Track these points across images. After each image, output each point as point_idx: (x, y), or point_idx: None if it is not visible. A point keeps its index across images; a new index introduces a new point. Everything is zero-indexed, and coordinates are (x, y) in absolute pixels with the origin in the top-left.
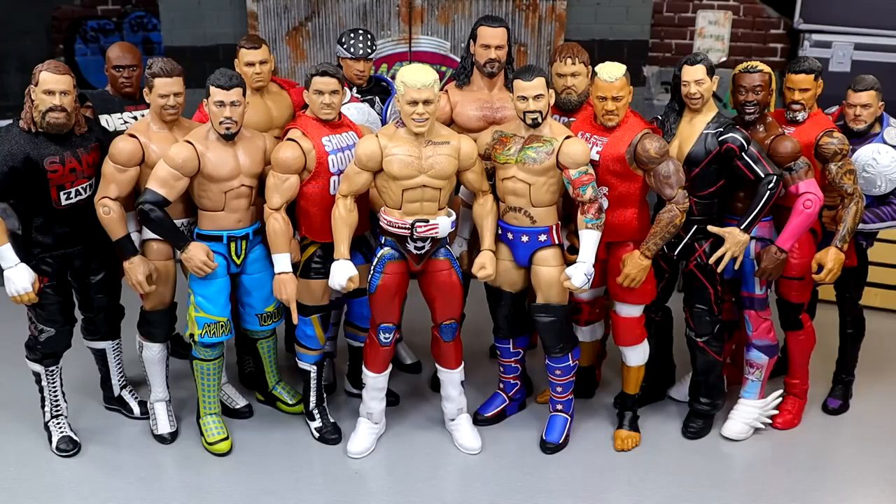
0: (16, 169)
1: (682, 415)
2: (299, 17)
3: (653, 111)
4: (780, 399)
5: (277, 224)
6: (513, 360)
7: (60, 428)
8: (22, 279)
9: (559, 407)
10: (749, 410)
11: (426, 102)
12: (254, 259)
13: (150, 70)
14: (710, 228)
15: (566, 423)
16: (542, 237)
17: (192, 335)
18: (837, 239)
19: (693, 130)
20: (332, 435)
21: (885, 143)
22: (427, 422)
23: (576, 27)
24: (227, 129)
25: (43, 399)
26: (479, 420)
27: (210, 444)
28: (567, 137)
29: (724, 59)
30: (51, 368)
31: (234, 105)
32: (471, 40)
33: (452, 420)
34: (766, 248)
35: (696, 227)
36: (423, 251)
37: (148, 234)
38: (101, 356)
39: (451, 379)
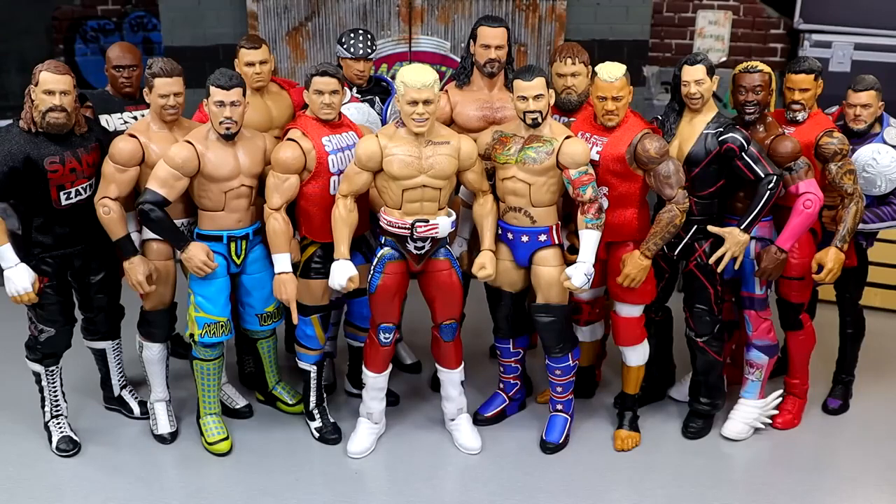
0: (16, 169)
1: (682, 415)
2: (299, 17)
3: (653, 111)
4: (780, 399)
5: (277, 224)
6: (513, 360)
7: (60, 428)
8: (22, 279)
9: (559, 407)
10: (749, 410)
11: (426, 102)
12: (254, 259)
13: (150, 70)
14: (710, 228)
15: (566, 423)
16: (542, 237)
17: (192, 335)
18: (837, 239)
19: (693, 130)
20: (332, 435)
21: (885, 143)
22: (427, 422)
23: (576, 27)
24: (227, 129)
25: (43, 399)
26: (479, 420)
27: (210, 444)
28: (567, 137)
29: (724, 59)
30: (51, 368)
31: (234, 105)
32: (471, 40)
33: (452, 420)
34: (766, 248)
35: (696, 227)
36: (423, 251)
37: (148, 234)
38: (101, 356)
39: (451, 379)
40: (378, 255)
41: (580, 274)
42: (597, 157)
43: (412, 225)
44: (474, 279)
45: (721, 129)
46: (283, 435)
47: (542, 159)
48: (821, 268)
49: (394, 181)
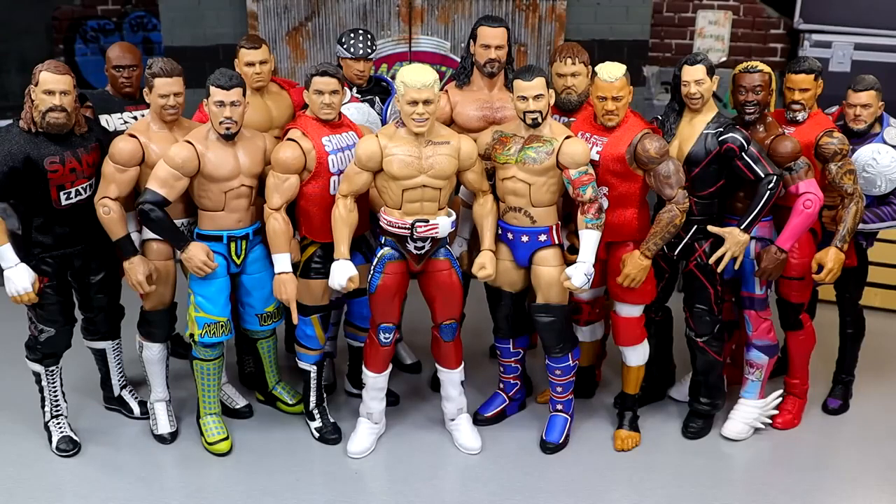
0: (16, 169)
1: (682, 415)
2: (299, 17)
3: (653, 111)
4: (780, 399)
5: (277, 224)
6: (513, 360)
7: (60, 428)
8: (22, 279)
9: (559, 407)
10: (749, 410)
11: (426, 102)
12: (254, 259)
13: (150, 70)
14: (711, 228)
15: (566, 423)
16: (542, 237)
17: (192, 335)
18: (837, 239)
19: (693, 130)
20: (332, 435)
21: (885, 143)
22: (427, 422)
23: (576, 27)
24: (227, 129)
25: (43, 399)
26: (479, 420)
27: (210, 444)
28: (567, 137)
29: (724, 59)
30: (51, 368)
31: (234, 105)
32: (471, 40)
33: (452, 420)
34: (766, 248)
35: (696, 227)
36: (423, 251)
37: (148, 234)
38: (101, 356)
39: (451, 379)
40: (378, 255)
41: (580, 274)
42: (597, 157)
43: (412, 225)
44: (474, 279)
45: (721, 129)
46: (283, 435)
47: (542, 159)
48: (821, 268)
49: (394, 181)
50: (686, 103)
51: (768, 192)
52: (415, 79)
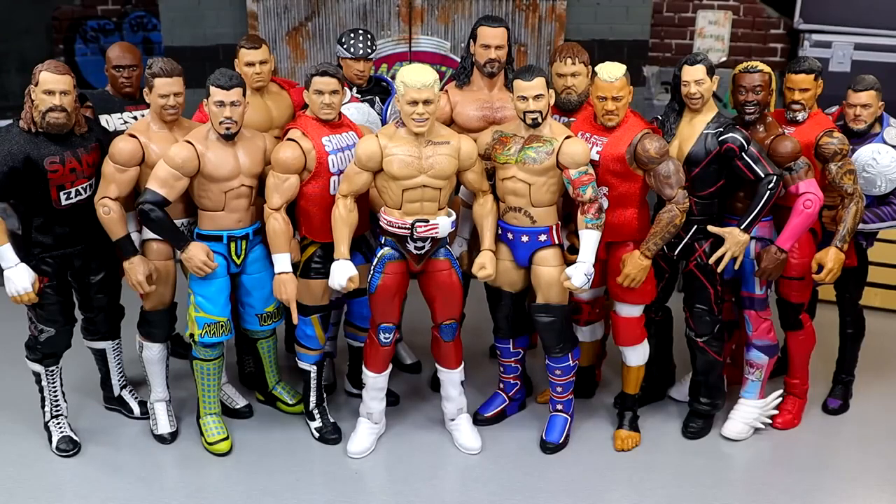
0: (16, 169)
1: (682, 415)
2: (299, 17)
3: (653, 111)
4: (780, 399)
5: (277, 224)
6: (513, 360)
7: (60, 428)
8: (22, 279)
9: (559, 407)
10: (749, 410)
11: (426, 102)
12: (254, 259)
13: (150, 70)
14: (711, 228)
15: (566, 423)
16: (542, 237)
17: (192, 335)
18: (837, 239)
19: (693, 130)
20: (332, 435)
21: (885, 143)
22: (427, 422)
23: (576, 27)
24: (227, 129)
25: (43, 399)
26: (479, 420)
27: (210, 444)
28: (567, 137)
29: (724, 59)
30: (51, 368)
31: (234, 105)
32: (471, 40)
33: (452, 420)
34: (766, 248)
35: (696, 227)
36: (423, 251)
37: (148, 234)
38: (101, 356)
39: (451, 379)
40: (378, 255)
41: (580, 274)
42: (597, 157)
43: (412, 225)
44: (474, 279)
45: (721, 129)
46: (283, 435)
47: (542, 159)
48: (821, 268)
49: (394, 181)
50: (686, 103)
51: (768, 192)
52: (415, 79)
